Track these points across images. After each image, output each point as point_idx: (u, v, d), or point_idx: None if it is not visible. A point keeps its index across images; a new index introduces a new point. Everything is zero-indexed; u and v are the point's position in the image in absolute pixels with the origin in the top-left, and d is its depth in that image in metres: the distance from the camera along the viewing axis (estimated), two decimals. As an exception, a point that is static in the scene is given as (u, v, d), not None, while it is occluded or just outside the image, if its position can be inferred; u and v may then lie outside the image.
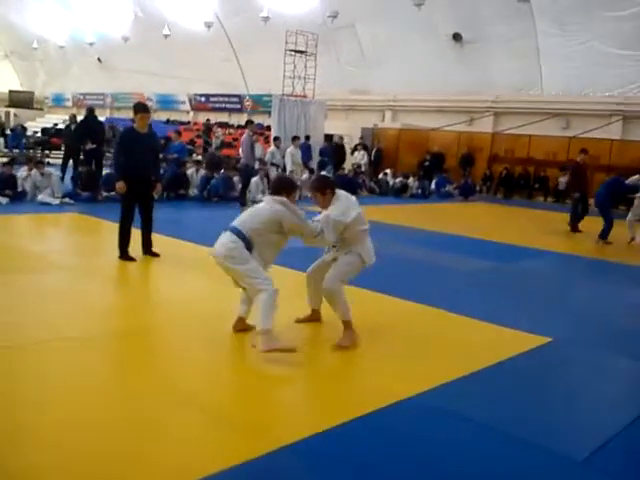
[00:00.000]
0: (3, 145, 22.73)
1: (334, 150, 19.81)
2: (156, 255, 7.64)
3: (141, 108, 7.62)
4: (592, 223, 12.28)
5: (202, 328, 5.08)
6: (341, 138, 20.70)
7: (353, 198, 5.14)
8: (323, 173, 17.93)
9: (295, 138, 16.22)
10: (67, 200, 12.12)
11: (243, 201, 13.19)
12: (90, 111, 13.97)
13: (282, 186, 4.87)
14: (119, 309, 5.88)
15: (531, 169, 20.74)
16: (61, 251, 8.00)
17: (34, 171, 12.31)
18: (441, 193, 19.34)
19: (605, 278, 8.79)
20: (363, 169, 19.71)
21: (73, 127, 15.04)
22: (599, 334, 5.81)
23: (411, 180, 19.06)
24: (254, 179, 14.13)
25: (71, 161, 14.31)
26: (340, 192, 5.08)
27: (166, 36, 29.08)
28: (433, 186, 19.83)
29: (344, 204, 4.96)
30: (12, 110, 33.02)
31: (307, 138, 18.45)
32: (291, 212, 4.66)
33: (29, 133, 25.05)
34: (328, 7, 23.52)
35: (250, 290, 4.56)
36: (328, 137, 20.89)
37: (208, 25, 28.00)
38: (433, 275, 7.94)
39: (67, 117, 16.86)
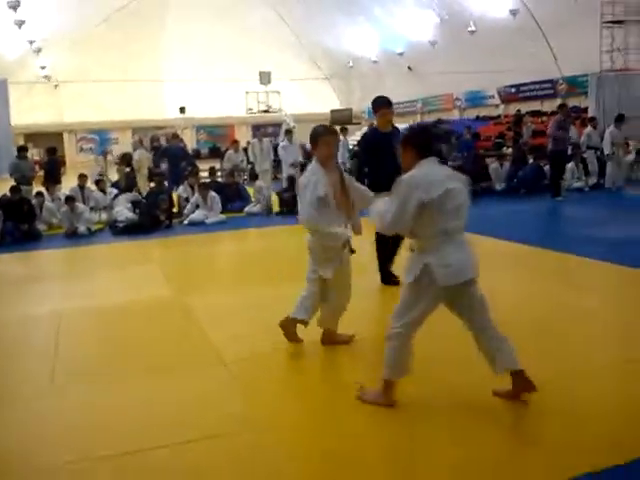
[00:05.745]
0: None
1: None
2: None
3: (380, 103, 6.18)
4: None
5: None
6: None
7: (443, 172, 3.44)
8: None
9: (620, 117, 14.11)
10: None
11: (556, 191, 12.10)
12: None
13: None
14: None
15: None
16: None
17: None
18: None
19: None
20: None
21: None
22: None
23: None
24: (569, 165, 12.98)
25: None
26: (428, 160, 3.39)
27: (472, 32, 28.72)
28: None
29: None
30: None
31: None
32: None
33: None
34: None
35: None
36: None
37: (513, 13, 26.94)
38: None
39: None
